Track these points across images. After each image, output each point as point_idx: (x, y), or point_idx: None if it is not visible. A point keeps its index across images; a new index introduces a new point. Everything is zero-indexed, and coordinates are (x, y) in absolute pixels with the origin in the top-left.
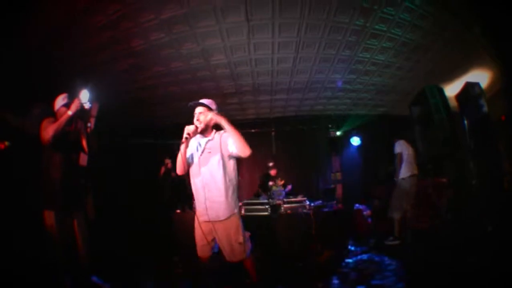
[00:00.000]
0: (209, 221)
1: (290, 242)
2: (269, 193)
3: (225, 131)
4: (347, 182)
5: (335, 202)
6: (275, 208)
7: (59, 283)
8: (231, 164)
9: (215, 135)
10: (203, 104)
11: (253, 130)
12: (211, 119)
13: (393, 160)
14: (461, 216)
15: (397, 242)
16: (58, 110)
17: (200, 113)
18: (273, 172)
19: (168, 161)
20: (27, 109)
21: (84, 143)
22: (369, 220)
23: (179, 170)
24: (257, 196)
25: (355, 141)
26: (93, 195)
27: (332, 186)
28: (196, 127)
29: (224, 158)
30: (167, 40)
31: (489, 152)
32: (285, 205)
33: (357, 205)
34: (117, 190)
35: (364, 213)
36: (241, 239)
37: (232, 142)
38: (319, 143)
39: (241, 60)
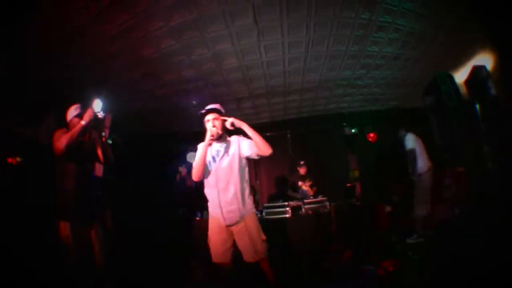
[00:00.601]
0: (231, 224)
1: (312, 243)
2: (300, 191)
3: (237, 135)
4: (365, 179)
5: (354, 200)
6: (295, 209)
7: None
8: (247, 167)
9: (229, 139)
10: (216, 110)
11: (268, 134)
12: (228, 123)
13: (406, 156)
14: (482, 204)
15: (421, 239)
16: (70, 120)
17: (214, 119)
18: (302, 170)
19: (182, 169)
20: (39, 121)
21: (100, 153)
22: (390, 216)
23: (196, 176)
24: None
25: (371, 136)
26: (111, 206)
27: (351, 184)
28: (217, 132)
29: (241, 162)
30: (177, 47)
31: (502, 133)
32: (305, 206)
33: (377, 202)
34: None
35: (385, 210)
36: (263, 236)
37: (249, 145)
38: (335, 142)
39: (253, 63)
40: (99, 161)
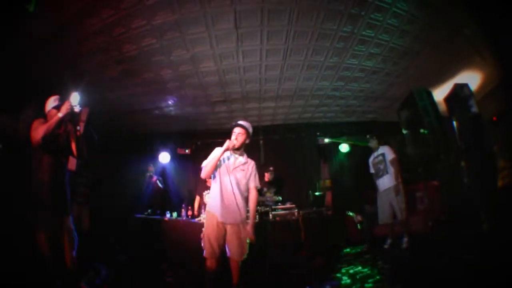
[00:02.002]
0: (228, 223)
1: (280, 249)
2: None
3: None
4: (337, 188)
5: (324, 209)
6: (263, 215)
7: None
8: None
9: (248, 159)
10: (243, 127)
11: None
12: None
13: (384, 166)
14: (455, 217)
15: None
16: (49, 111)
17: (239, 133)
18: (267, 176)
19: (151, 168)
20: (19, 110)
21: (74, 147)
22: (360, 225)
23: (206, 173)
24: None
25: (344, 148)
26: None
27: (322, 193)
28: (234, 144)
29: (247, 180)
30: (158, 46)
31: (481, 152)
32: (273, 212)
33: (347, 211)
34: (104, 197)
35: (355, 218)
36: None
37: (254, 177)
38: (307, 151)
39: (230, 68)
40: (73, 155)
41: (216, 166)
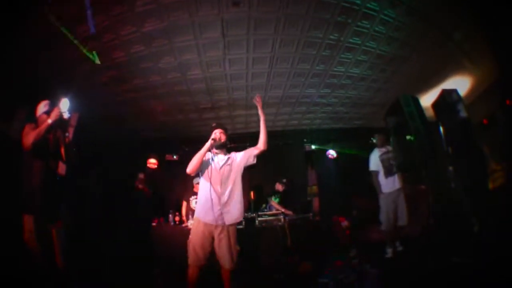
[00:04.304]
0: (219, 226)
1: (266, 255)
2: (263, 205)
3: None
4: (324, 194)
5: (311, 214)
6: (249, 221)
7: None
8: (240, 178)
9: (229, 155)
10: (222, 126)
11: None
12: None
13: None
14: (443, 220)
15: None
16: (39, 116)
17: (221, 132)
18: (280, 187)
19: (141, 175)
20: (12, 114)
21: (63, 152)
22: (348, 231)
23: (192, 169)
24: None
25: (331, 154)
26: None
27: (309, 199)
28: (219, 138)
29: (238, 173)
30: (146, 53)
31: (471, 155)
32: (259, 219)
33: (335, 216)
34: (93, 201)
35: (343, 224)
36: (238, 246)
37: (244, 152)
38: (294, 158)
39: (217, 75)
40: (62, 160)
41: (203, 169)
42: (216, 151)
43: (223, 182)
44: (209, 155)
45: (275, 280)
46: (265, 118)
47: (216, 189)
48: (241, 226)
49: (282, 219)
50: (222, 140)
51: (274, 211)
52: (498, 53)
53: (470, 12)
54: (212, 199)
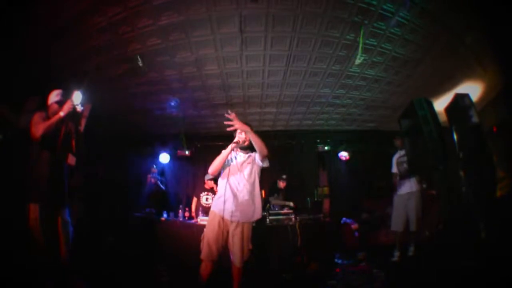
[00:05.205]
0: (236, 222)
1: (276, 254)
2: (267, 206)
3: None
4: (335, 196)
5: (322, 215)
6: (260, 220)
7: (42, 281)
8: (258, 177)
9: (251, 153)
10: (248, 125)
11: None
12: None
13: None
14: (453, 225)
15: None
16: (50, 105)
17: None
18: (282, 184)
19: (154, 170)
20: (22, 103)
21: (73, 144)
22: (357, 233)
23: (214, 170)
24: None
25: (343, 156)
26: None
27: (319, 200)
28: (244, 140)
29: (256, 171)
30: (163, 47)
31: (481, 162)
32: (270, 217)
33: (344, 218)
34: (103, 195)
35: (352, 226)
36: (250, 245)
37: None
38: (307, 158)
39: (233, 71)
40: (72, 152)
41: (225, 166)
42: (241, 151)
43: (242, 179)
44: (233, 153)
45: (283, 280)
46: (250, 129)
47: (234, 185)
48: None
49: (293, 218)
50: (246, 143)
51: (279, 209)
52: (503, 59)
53: (479, 16)
54: (230, 195)
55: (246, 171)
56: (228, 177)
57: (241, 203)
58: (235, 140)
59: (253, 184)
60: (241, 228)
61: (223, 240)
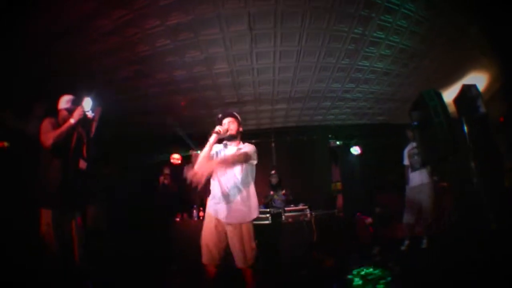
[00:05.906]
0: (229, 223)
1: (291, 250)
2: (269, 202)
3: (248, 143)
4: (348, 191)
5: (336, 211)
6: (276, 216)
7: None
8: (253, 172)
9: (243, 145)
10: (234, 115)
11: (253, 141)
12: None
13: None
14: (464, 217)
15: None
16: (60, 111)
17: (229, 122)
18: (274, 180)
19: (166, 170)
20: (29, 109)
21: (84, 149)
22: (371, 228)
23: (199, 168)
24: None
25: (355, 150)
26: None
27: (333, 195)
28: (226, 130)
29: (248, 168)
30: (172, 47)
31: (489, 152)
32: (286, 214)
33: (358, 213)
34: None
35: (366, 221)
36: (254, 244)
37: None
38: (319, 153)
39: (243, 69)
40: (83, 157)
41: (209, 158)
42: (228, 142)
43: (233, 177)
44: (219, 147)
45: (300, 276)
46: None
47: (225, 184)
48: (267, 222)
49: (308, 214)
50: (230, 132)
51: (298, 207)
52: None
53: (482, 7)
54: (221, 195)
55: (237, 168)
56: (217, 176)
57: (234, 204)
58: (215, 130)
59: (245, 182)
60: (239, 229)
61: (223, 242)
